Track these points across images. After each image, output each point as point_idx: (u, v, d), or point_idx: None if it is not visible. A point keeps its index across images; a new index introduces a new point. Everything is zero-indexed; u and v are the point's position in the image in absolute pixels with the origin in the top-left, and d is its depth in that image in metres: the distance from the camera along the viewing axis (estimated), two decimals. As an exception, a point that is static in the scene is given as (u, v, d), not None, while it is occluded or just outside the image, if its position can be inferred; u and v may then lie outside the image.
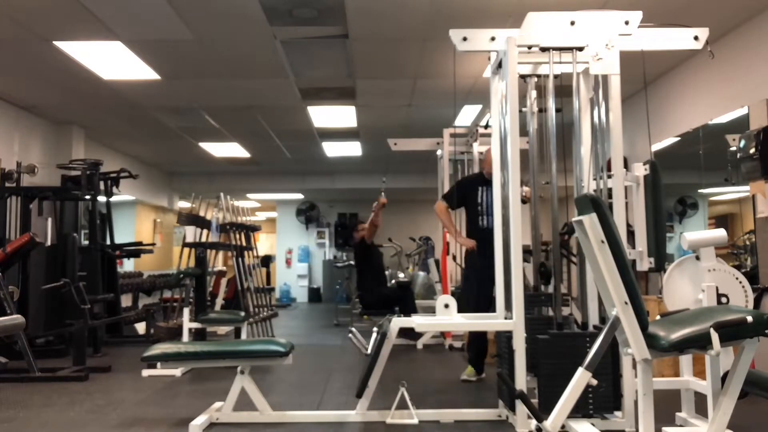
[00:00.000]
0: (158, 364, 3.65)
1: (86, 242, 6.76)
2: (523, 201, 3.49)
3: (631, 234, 3.77)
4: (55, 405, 3.89)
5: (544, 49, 3.35)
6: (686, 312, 2.52)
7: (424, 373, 5.02)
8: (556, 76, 3.42)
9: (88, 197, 6.45)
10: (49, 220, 6.47)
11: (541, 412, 2.64)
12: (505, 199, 3.42)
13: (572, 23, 3.29)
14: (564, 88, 3.46)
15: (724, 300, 3.05)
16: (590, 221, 2.38)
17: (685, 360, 3.34)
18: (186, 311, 5.40)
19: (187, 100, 6.83)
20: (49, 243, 6.47)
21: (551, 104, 3.47)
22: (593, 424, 3.00)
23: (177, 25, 4.70)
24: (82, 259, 6.47)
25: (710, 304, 2.99)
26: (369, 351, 3.57)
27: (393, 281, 9.49)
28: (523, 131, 3.40)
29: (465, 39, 3.40)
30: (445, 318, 3.45)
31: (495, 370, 3.71)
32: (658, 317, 2.52)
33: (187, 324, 5.34)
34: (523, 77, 3.56)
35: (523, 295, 3.25)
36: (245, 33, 4.90)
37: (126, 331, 7.15)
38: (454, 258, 7.07)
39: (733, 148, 4.71)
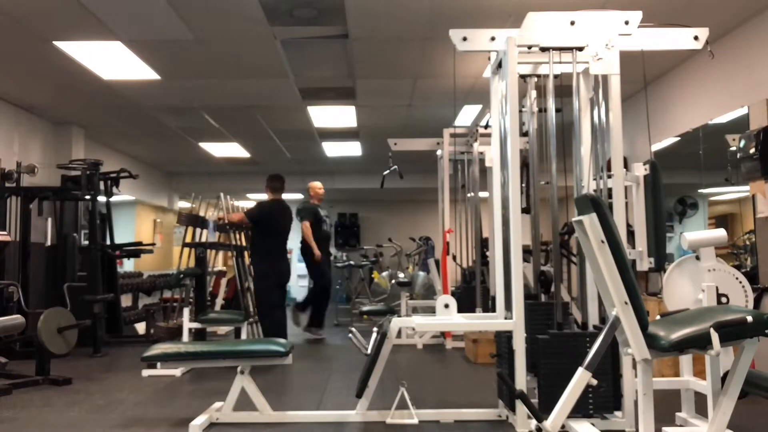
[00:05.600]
0: (158, 364, 3.66)
1: (86, 242, 6.76)
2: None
3: (631, 234, 3.77)
4: (55, 405, 3.89)
5: (544, 49, 3.35)
6: (686, 312, 2.52)
7: (424, 373, 5.02)
8: (556, 76, 3.42)
9: (88, 197, 6.45)
10: (49, 220, 6.48)
11: (541, 412, 2.64)
12: (505, 200, 3.42)
13: (572, 23, 3.29)
14: (564, 88, 3.47)
15: (724, 300, 3.05)
16: (590, 221, 2.38)
17: (685, 360, 3.34)
18: (186, 311, 5.40)
19: (187, 100, 6.83)
20: (49, 243, 6.48)
21: (551, 104, 3.47)
22: (593, 424, 3.00)
23: (177, 25, 4.70)
24: (82, 259, 6.49)
25: (710, 304, 2.99)
26: (369, 351, 3.58)
27: (393, 281, 9.51)
28: (523, 131, 3.40)
29: (465, 39, 3.40)
30: (445, 318, 3.45)
31: (495, 370, 3.71)
32: (658, 317, 2.52)
33: (187, 324, 5.34)
34: (523, 77, 3.56)
35: (523, 295, 3.25)
36: (245, 33, 4.90)
37: (126, 331, 7.15)
38: (454, 258, 7.07)
39: (733, 148, 4.71)
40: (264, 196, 6.44)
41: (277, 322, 5.70)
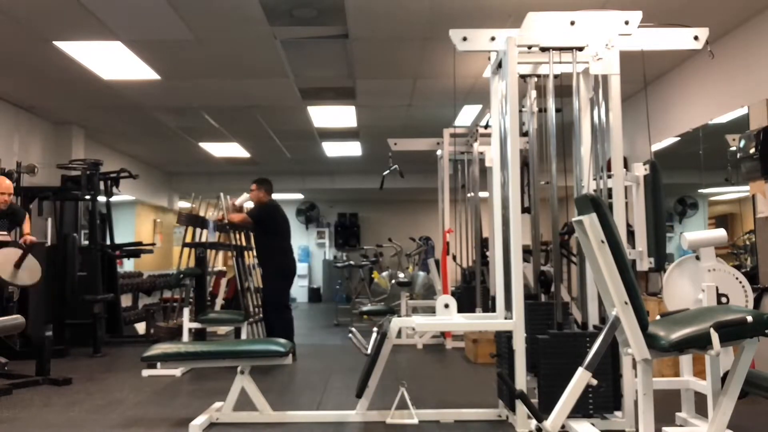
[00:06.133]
0: (158, 364, 3.65)
1: (86, 242, 6.76)
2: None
3: (631, 234, 3.77)
4: (56, 405, 3.89)
5: (544, 49, 3.35)
6: (686, 312, 2.52)
7: (424, 373, 5.02)
8: (556, 76, 3.42)
9: (88, 197, 6.45)
10: (49, 220, 6.48)
11: (541, 412, 2.64)
12: (505, 200, 3.42)
13: (572, 23, 3.29)
14: (564, 88, 3.47)
15: (724, 300, 3.05)
16: (590, 221, 2.38)
17: (685, 360, 3.34)
18: (186, 311, 5.40)
19: (187, 100, 6.83)
20: (49, 243, 6.48)
21: (551, 104, 3.47)
22: (593, 424, 3.00)
23: (177, 25, 4.70)
24: (82, 259, 6.48)
25: (710, 304, 2.99)
26: (369, 351, 3.58)
27: (393, 281, 9.51)
28: (523, 131, 3.40)
29: (465, 39, 3.40)
30: (445, 318, 3.45)
31: (495, 370, 3.71)
32: (658, 317, 2.52)
33: (187, 324, 5.33)
34: (523, 77, 3.56)
35: (523, 296, 3.25)
36: (245, 33, 4.90)
37: (126, 331, 7.15)
38: (454, 258, 7.07)
39: (733, 148, 4.71)
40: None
41: (289, 323, 5.59)
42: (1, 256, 4.68)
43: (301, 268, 14.60)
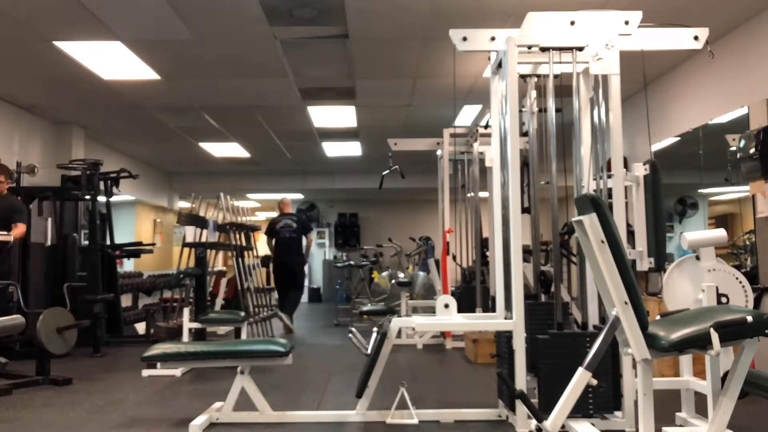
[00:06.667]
0: (158, 364, 3.64)
1: (86, 242, 6.76)
2: None
3: (631, 234, 3.77)
4: (55, 405, 3.89)
5: (544, 49, 3.35)
6: (686, 312, 2.52)
7: (424, 373, 5.02)
8: (556, 76, 3.42)
9: (88, 197, 6.45)
10: (49, 220, 6.48)
11: (541, 412, 2.64)
12: (505, 200, 3.42)
13: (572, 23, 3.29)
14: (564, 88, 3.47)
15: (724, 300, 3.06)
16: (590, 221, 2.38)
17: (685, 360, 3.34)
18: (186, 311, 5.40)
19: (187, 100, 6.83)
20: (49, 243, 6.48)
21: (551, 104, 3.47)
22: (593, 424, 3.00)
23: (177, 25, 4.70)
24: (82, 259, 6.48)
25: (710, 304, 2.99)
26: (369, 351, 3.57)
27: (393, 281, 9.51)
28: (523, 131, 3.39)
29: (465, 39, 3.40)
30: (445, 318, 3.45)
31: (495, 370, 3.71)
32: (658, 317, 2.52)
33: (187, 324, 5.33)
34: (523, 77, 3.56)
35: (523, 296, 3.25)
36: (245, 33, 4.90)
37: (126, 331, 7.15)
38: (454, 258, 7.07)
39: (733, 148, 4.72)
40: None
41: None
42: (52, 315, 4.60)
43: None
